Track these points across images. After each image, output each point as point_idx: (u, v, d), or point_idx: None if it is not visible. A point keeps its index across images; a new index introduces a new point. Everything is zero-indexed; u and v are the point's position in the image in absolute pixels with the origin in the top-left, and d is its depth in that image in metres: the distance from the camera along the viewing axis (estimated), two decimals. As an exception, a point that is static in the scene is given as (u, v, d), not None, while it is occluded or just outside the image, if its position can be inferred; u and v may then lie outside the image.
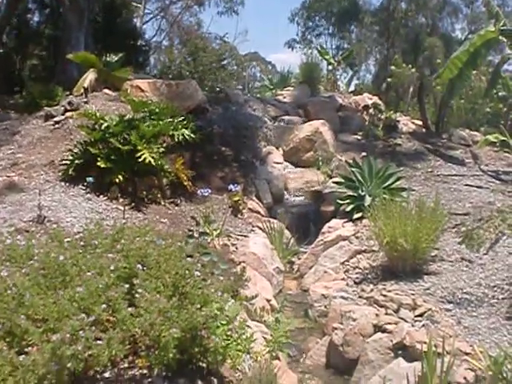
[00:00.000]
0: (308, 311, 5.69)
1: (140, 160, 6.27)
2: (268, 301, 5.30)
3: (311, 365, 4.75)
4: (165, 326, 3.11)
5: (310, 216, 8.04)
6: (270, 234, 7.06)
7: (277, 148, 9.52)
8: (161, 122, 6.78)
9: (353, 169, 7.85)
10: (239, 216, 7.29)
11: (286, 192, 8.67)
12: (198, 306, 3.23)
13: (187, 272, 3.40)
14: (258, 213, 7.60)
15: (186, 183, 7.02)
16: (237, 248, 6.20)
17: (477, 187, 8.45)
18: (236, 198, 7.29)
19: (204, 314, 3.21)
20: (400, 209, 5.96)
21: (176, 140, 7.04)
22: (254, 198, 7.93)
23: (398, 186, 7.57)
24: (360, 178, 7.66)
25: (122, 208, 6.13)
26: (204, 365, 3.44)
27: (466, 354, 4.04)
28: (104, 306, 3.13)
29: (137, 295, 3.28)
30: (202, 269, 3.63)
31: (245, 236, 6.65)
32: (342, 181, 7.83)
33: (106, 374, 3.22)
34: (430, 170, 9.37)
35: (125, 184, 6.45)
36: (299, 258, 7.30)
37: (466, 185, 8.58)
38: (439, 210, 5.95)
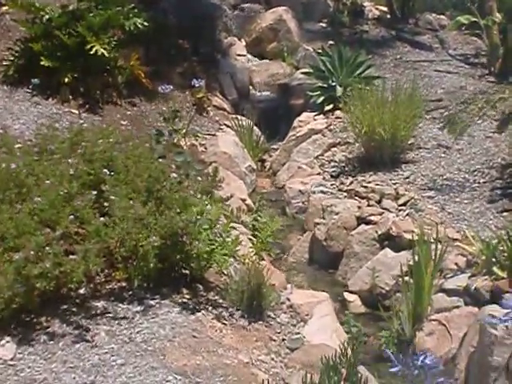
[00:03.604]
0: (286, 208, 5.52)
1: (91, 53, 5.61)
2: (243, 200, 5.07)
3: (295, 262, 4.65)
4: (142, 234, 2.80)
5: (279, 111, 7.63)
6: (238, 132, 6.67)
7: (239, 39, 8.85)
8: (109, 12, 6.02)
9: (322, 57, 7.37)
10: (204, 114, 6.80)
11: (251, 87, 8.18)
12: (178, 210, 2.92)
13: (161, 174, 3.04)
14: (224, 110, 7.13)
15: (144, 80, 6.40)
16: (206, 148, 5.85)
17: (447, 72, 8.19)
18: (200, 95, 6.76)
19: (184, 218, 2.90)
20: (376, 97, 5.67)
21: (128, 30, 6.31)
22: (219, 95, 7.39)
23: (370, 75, 7.19)
24: (330, 67, 7.20)
25: (75, 111, 5.57)
26: (187, 272, 3.21)
27: (454, 239, 3.96)
28: (72, 217, 2.77)
29: (106, 203, 2.94)
30: (177, 170, 3.27)
31: (213, 135, 6.25)
32: (311, 71, 7.38)
33: (81, 291, 2.95)
34: (398, 56, 8.99)
35: (75, 84, 5.79)
36: (270, 156, 7.01)
37: (436, 70, 8.31)
38: (416, 96, 5.69)
